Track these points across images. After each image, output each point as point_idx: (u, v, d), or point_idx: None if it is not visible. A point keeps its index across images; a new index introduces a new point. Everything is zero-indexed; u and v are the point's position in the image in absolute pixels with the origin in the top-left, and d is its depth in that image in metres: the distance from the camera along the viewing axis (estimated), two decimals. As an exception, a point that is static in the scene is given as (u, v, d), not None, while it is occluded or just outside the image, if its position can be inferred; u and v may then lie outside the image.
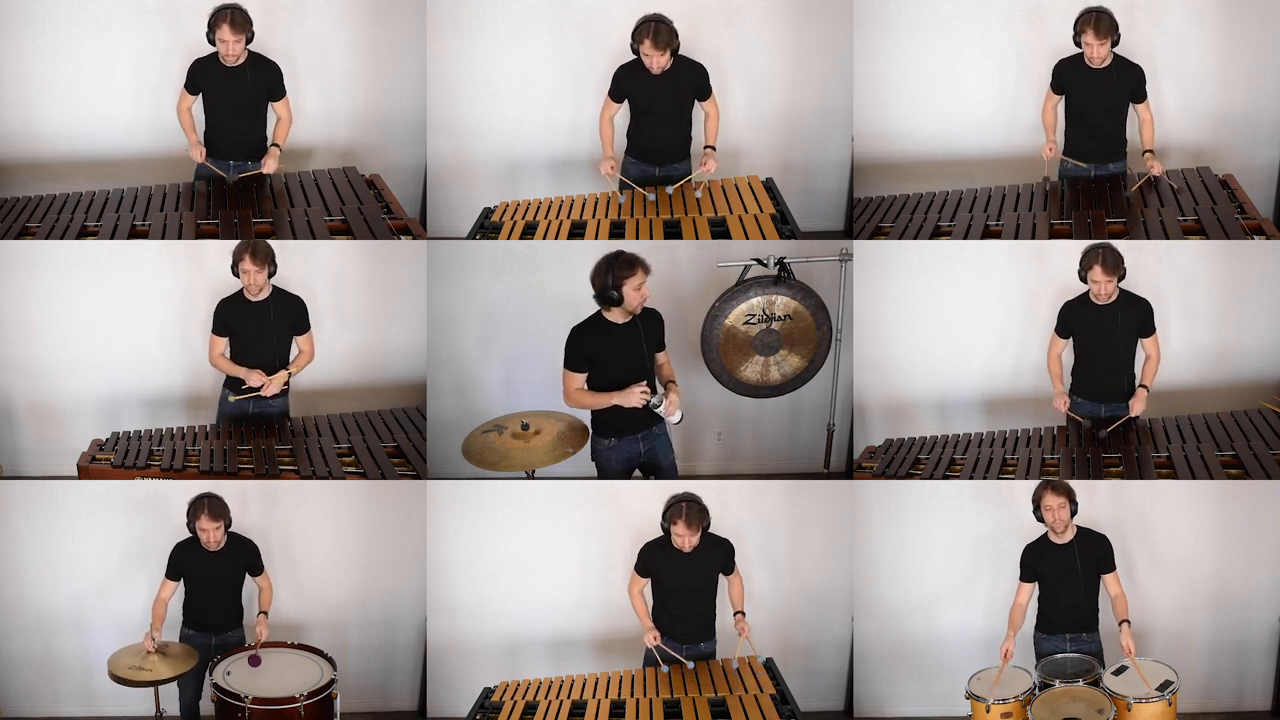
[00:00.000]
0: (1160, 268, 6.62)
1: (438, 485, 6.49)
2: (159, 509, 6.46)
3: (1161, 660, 5.93)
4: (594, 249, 5.95)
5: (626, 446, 6.03)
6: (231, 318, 6.28)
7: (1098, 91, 6.36)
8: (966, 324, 6.78)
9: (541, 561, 6.64)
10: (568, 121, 6.93)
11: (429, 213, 6.87)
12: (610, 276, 5.79)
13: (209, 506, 6.01)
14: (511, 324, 6.83)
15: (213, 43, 6.33)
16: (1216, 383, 6.78)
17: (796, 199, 6.71)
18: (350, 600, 6.65)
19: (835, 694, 6.75)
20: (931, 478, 6.35)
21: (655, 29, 6.21)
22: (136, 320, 6.73)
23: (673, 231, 6.27)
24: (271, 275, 6.26)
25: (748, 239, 6.25)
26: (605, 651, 6.65)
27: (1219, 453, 6.19)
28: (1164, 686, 5.75)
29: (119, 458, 6.25)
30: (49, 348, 6.72)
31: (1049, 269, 6.65)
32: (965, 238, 6.35)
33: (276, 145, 6.45)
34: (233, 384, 6.32)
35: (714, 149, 6.43)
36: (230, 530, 6.12)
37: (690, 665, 5.99)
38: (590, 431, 6.05)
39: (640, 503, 6.38)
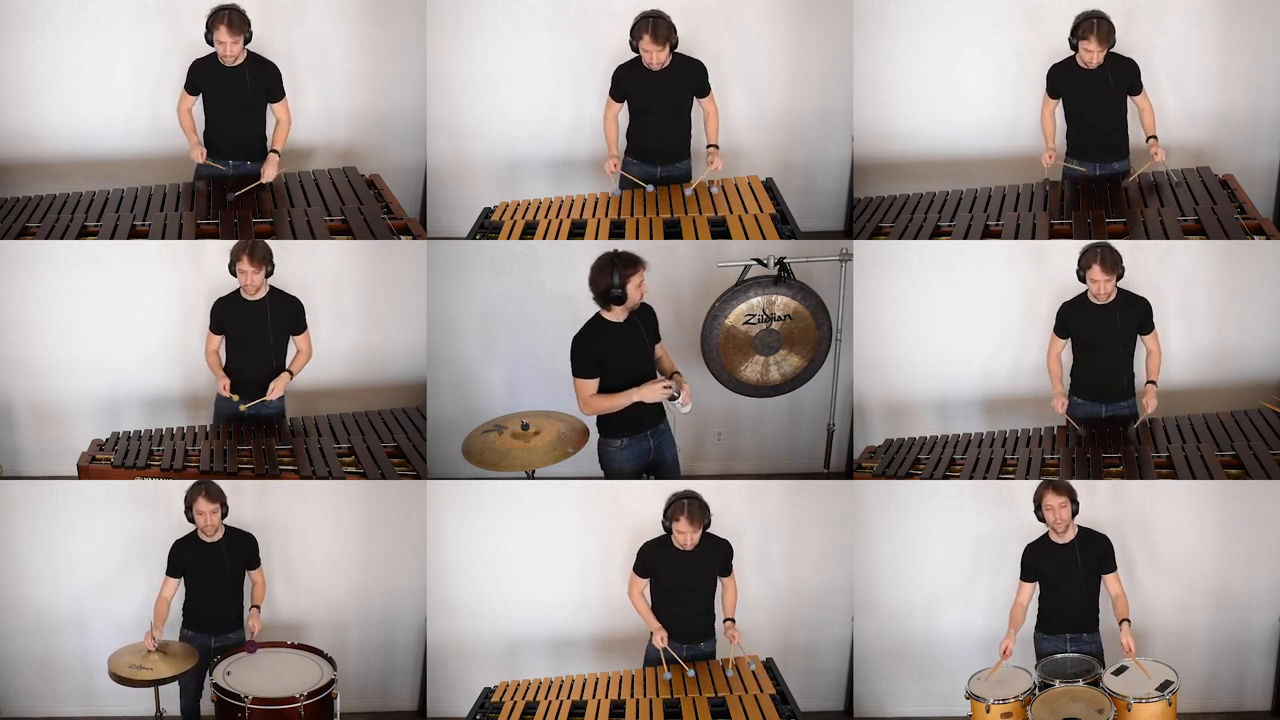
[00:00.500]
0: (1160, 268, 6.62)
1: (438, 485, 6.49)
2: (159, 509, 6.46)
3: (1161, 660, 5.93)
4: (594, 249, 5.95)
5: (638, 445, 6.02)
6: (227, 317, 6.29)
7: (1095, 92, 6.37)
8: (966, 324, 6.78)
9: (541, 561, 6.64)
10: (568, 121, 6.93)
11: (429, 213, 6.87)
12: (615, 275, 5.78)
13: (206, 488, 6.02)
14: (512, 324, 6.83)
15: (211, 43, 6.33)
16: (1216, 383, 6.78)
17: (796, 199, 6.71)
18: (350, 600, 6.65)
19: (835, 694, 6.75)
20: (931, 478, 6.35)
21: (654, 24, 6.21)
22: (136, 320, 6.73)
23: (673, 231, 6.27)
24: (269, 275, 6.26)
25: (748, 239, 6.25)
26: (605, 651, 6.65)
27: (1219, 453, 6.19)
28: (1164, 686, 5.75)
29: (119, 458, 6.25)
30: (49, 348, 6.72)
31: (1049, 269, 6.65)
32: (965, 238, 6.35)
33: (275, 151, 6.45)
34: (239, 390, 6.31)
35: (717, 147, 6.43)
36: (228, 524, 6.12)
37: (691, 672, 5.98)
38: (598, 434, 6.04)
39: (640, 503, 6.38)
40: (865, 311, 6.67)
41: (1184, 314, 6.69)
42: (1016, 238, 6.32)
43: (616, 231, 6.29)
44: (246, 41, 6.34)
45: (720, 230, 6.28)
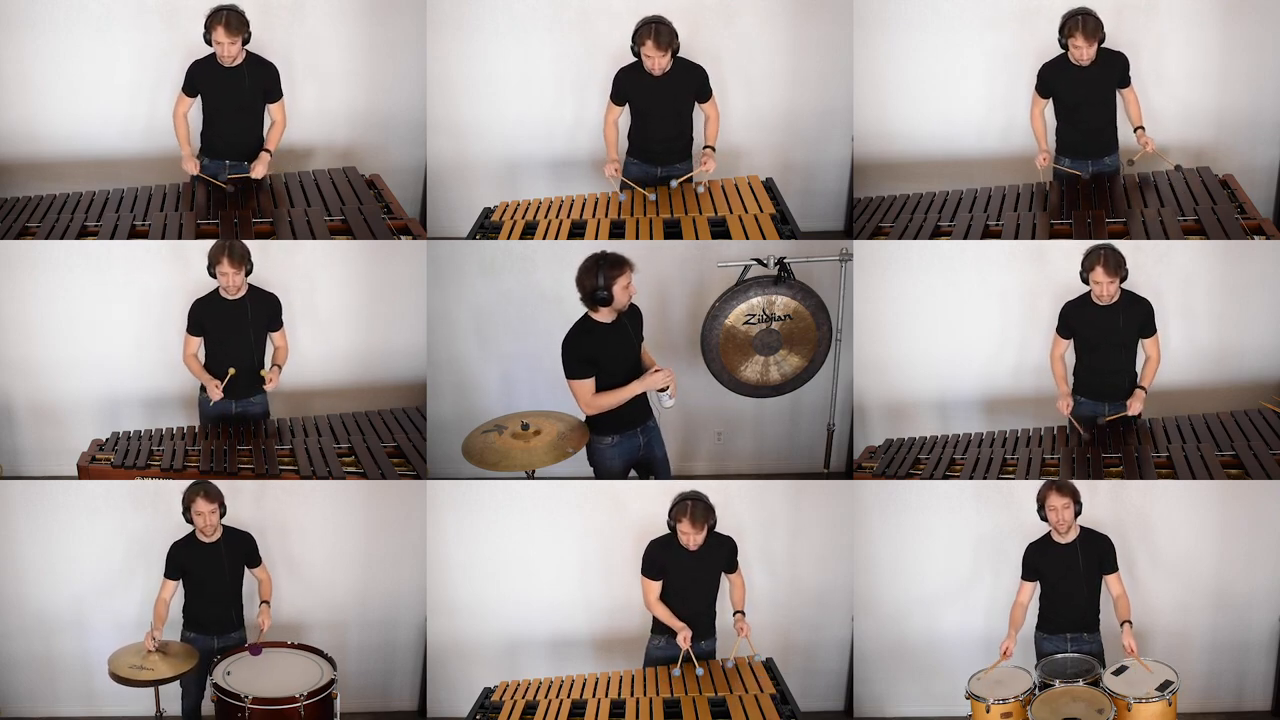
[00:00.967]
0: (1160, 268, 6.62)
1: (438, 485, 6.49)
2: (159, 509, 6.46)
3: (1161, 660, 5.93)
4: (594, 249, 5.95)
5: (628, 442, 6.03)
6: (207, 318, 6.28)
7: (1087, 87, 6.37)
8: (966, 324, 6.78)
9: (541, 561, 6.64)
10: (568, 121, 6.93)
11: (429, 213, 6.87)
12: (600, 277, 5.80)
13: (204, 488, 6.02)
14: (511, 324, 6.83)
15: (210, 44, 6.33)
16: (1216, 383, 6.78)
17: (796, 199, 6.71)
18: (350, 600, 6.65)
19: (835, 694, 6.75)
20: (931, 478, 6.35)
21: (656, 30, 6.22)
22: (136, 320, 6.73)
23: (673, 231, 6.27)
24: (249, 274, 6.25)
25: (748, 239, 6.25)
26: (605, 651, 6.65)
27: (1219, 453, 6.19)
28: (1164, 686, 5.74)
29: (119, 458, 6.25)
30: (49, 348, 6.72)
31: (1049, 269, 6.65)
32: (965, 238, 6.35)
33: (268, 150, 6.45)
34: (229, 388, 6.30)
35: (713, 149, 6.44)
36: (226, 524, 6.12)
37: (700, 671, 5.99)
38: (591, 432, 6.05)
39: (641, 503, 6.38)
40: (865, 311, 6.67)
41: (1184, 314, 6.69)
42: (1016, 238, 6.32)
43: (616, 231, 6.29)
44: (245, 42, 6.34)
45: (720, 230, 6.28)
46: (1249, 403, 6.61)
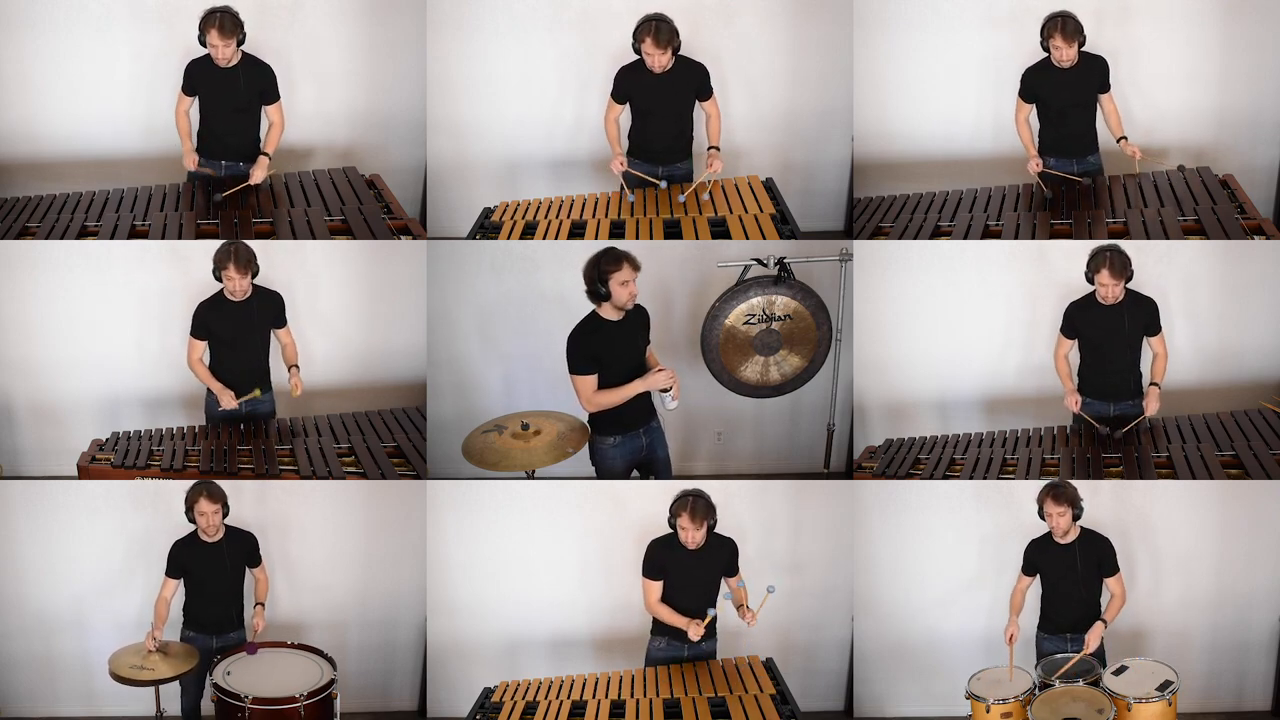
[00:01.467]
0: (1161, 267, 6.62)
1: (438, 485, 6.49)
2: (159, 509, 6.46)
3: (1161, 660, 5.93)
4: (594, 249, 5.95)
5: (630, 442, 6.04)
6: (214, 321, 6.27)
7: (1069, 90, 6.39)
8: (966, 324, 6.78)
9: (541, 561, 6.64)
10: (568, 121, 6.93)
11: (429, 213, 6.87)
12: (596, 271, 5.81)
13: (207, 489, 6.02)
14: (511, 324, 6.83)
15: (204, 45, 6.34)
16: (1216, 383, 6.78)
17: (796, 199, 6.71)
18: (350, 600, 6.65)
19: (835, 694, 6.75)
20: (931, 478, 6.35)
21: (657, 28, 6.22)
22: (136, 320, 6.73)
23: (673, 231, 6.27)
24: (254, 276, 6.25)
25: (748, 239, 6.25)
26: (605, 651, 6.65)
27: (1219, 453, 6.19)
28: (1164, 686, 5.74)
29: (119, 458, 6.25)
30: (49, 348, 6.72)
31: (1049, 269, 6.65)
32: (965, 238, 6.35)
33: (265, 154, 6.44)
34: (238, 388, 6.31)
35: (718, 149, 6.43)
36: (228, 524, 6.13)
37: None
38: (590, 432, 6.05)
39: (641, 502, 6.38)
40: (865, 311, 6.67)
41: (1185, 314, 6.69)
42: (1016, 238, 6.32)
43: (616, 231, 6.29)
44: (240, 44, 6.34)
45: (720, 230, 6.28)
46: (1249, 403, 6.61)
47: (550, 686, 6.13)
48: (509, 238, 6.32)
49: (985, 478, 6.28)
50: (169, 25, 6.69)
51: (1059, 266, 6.60)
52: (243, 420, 6.35)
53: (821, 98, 6.91)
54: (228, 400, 6.25)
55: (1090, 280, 6.19)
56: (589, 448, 6.05)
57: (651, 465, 6.14)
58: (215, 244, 6.33)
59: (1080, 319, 6.28)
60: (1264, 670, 6.63)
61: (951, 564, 6.59)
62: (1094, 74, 6.40)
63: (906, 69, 6.84)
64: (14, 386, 6.76)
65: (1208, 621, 6.58)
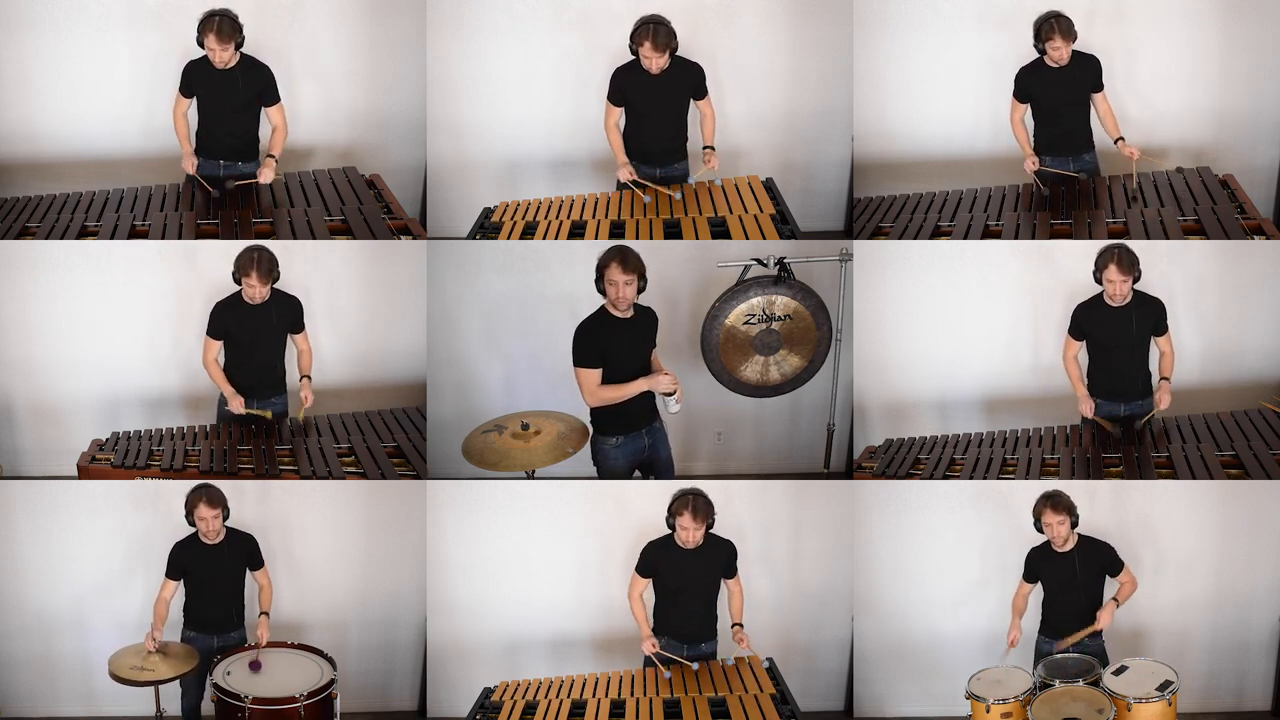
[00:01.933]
0: (1161, 267, 6.61)
1: (438, 485, 6.49)
2: (159, 509, 6.46)
3: (1161, 660, 5.93)
4: (594, 249, 5.96)
5: (632, 443, 6.04)
6: (231, 322, 6.27)
7: (1063, 89, 6.39)
8: (966, 324, 6.78)
9: (541, 561, 6.64)
10: (568, 121, 6.93)
11: (429, 213, 6.87)
12: (598, 264, 5.86)
13: (207, 494, 6.02)
14: (512, 324, 6.83)
15: (203, 47, 6.33)
16: (1216, 383, 6.78)
17: (796, 199, 6.71)
18: (350, 600, 6.66)
19: (835, 694, 6.75)
20: (931, 478, 6.35)
21: (654, 30, 6.22)
22: (136, 320, 6.73)
23: (673, 231, 6.27)
24: (274, 284, 6.25)
25: (748, 239, 6.25)
26: (605, 651, 6.65)
27: (1219, 453, 6.18)
28: (1164, 686, 5.74)
29: (119, 458, 6.25)
30: (49, 348, 6.72)
31: (1049, 269, 6.65)
32: (965, 238, 6.35)
33: (272, 156, 6.43)
34: (241, 393, 6.30)
35: (714, 148, 6.43)
36: (229, 526, 6.12)
37: (694, 666, 5.99)
38: (591, 431, 6.05)
39: (641, 502, 6.38)
40: (865, 311, 6.67)
41: (1185, 314, 6.68)
42: (1016, 238, 6.32)
43: (616, 231, 6.29)
44: (238, 46, 6.32)
45: (720, 230, 6.28)
46: (1249, 403, 6.61)
47: (550, 686, 6.13)
48: (509, 238, 6.32)
49: (985, 478, 6.28)
50: (168, 25, 6.69)
51: (1059, 266, 6.60)
52: (250, 420, 6.34)
53: (821, 98, 6.91)
54: (237, 405, 6.26)
55: (1098, 279, 6.18)
56: (591, 447, 6.05)
57: (653, 465, 6.14)
58: (215, 244, 6.34)
59: (1088, 320, 6.27)
60: (1264, 670, 6.63)
61: (951, 564, 6.60)
62: (1087, 73, 6.41)
63: (906, 69, 6.84)
64: (14, 386, 6.76)
65: (1208, 621, 6.58)
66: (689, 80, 6.40)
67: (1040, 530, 6.01)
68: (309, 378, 6.39)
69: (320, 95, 6.86)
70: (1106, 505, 6.44)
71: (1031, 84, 6.44)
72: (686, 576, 6.02)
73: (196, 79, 6.39)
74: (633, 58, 6.32)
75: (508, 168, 6.98)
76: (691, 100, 6.45)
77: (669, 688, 5.95)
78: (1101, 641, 6.06)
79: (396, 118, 6.88)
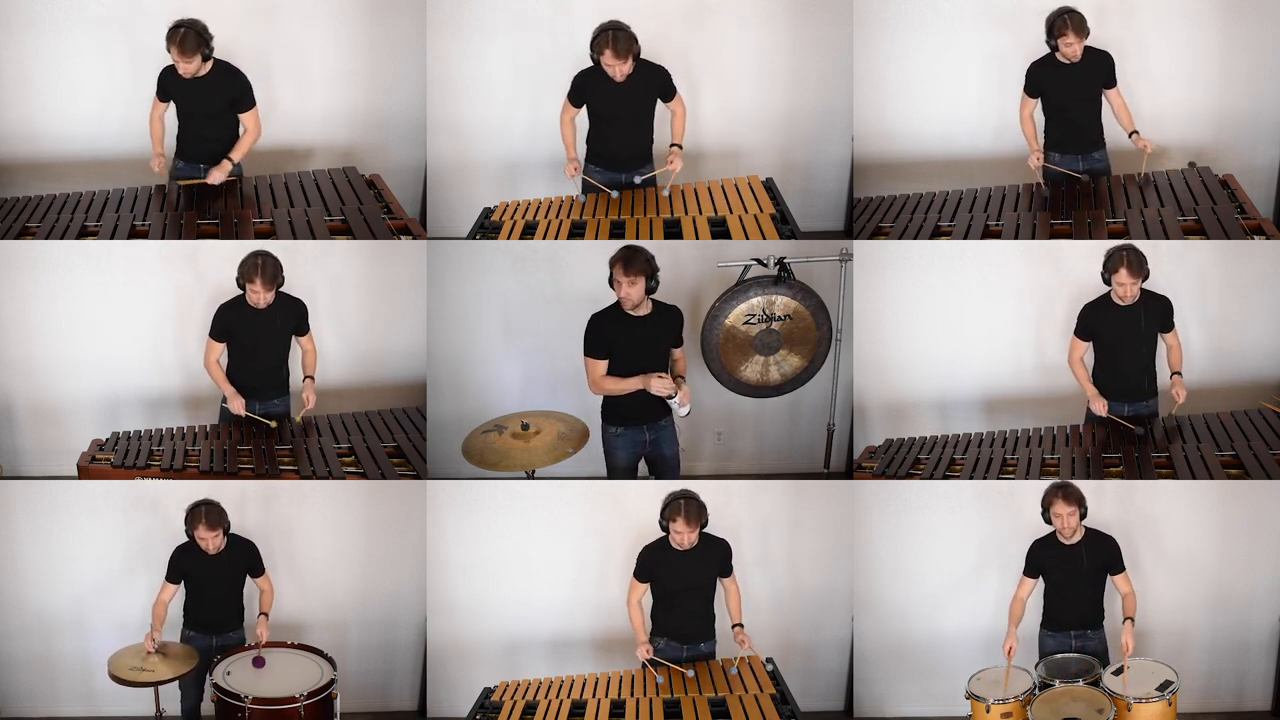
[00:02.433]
0: (1162, 267, 6.60)
1: (438, 485, 6.49)
2: (159, 509, 6.46)
3: (1161, 660, 5.93)
4: (594, 249, 5.97)
5: (632, 435, 6.09)
6: (234, 324, 6.27)
7: (1075, 85, 6.39)
8: (966, 324, 6.78)
9: (541, 561, 6.64)
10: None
11: (429, 213, 6.87)
12: (609, 262, 5.89)
13: (205, 515, 6.01)
14: (512, 324, 6.83)
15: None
16: (1216, 383, 6.78)
17: (796, 199, 6.71)
18: (350, 600, 6.66)
19: (835, 694, 6.75)
20: (931, 478, 6.35)
21: (614, 37, 6.14)
22: (136, 320, 6.73)
23: (673, 231, 6.27)
24: (279, 289, 6.25)
25: (748, 239, 6.25)
26: (605, 651, 6.65)
27: (1219, 453, 6.18)
28: (1164, 686, 5.75)
29: (119, 458, 6.25)
30: (49, 348, 6.72)
31: (1049, 269, 6.65)
32: (965, 238, 6.35)
33: (229, 158, 6.38)
34: (243, 393, 6.30)
35: (680, 147, 6.39)
36: (229, 532, 6.12)
37: (691, 673, 5.98)
38: (601, 420, 6.12)
39: (641, 503, 6.38)
40: (865, 311, 6.67)
41: (1184, 314, 6.68)
42: (1016, 238, 6.32)
43: (616, 232, 6.29)
44: (205, 58, 6.26)
45: (720, 230, 6.28)
46: (1249, 403, 6.61)
47: (550, 686, 6.13)
48: (509, 238, 6.32)
49: (985, 478, 6.28)
50: (168, 26, 6.67)
51: (1060, 266, 6.60)
52: (251, 420, 6.33)
53: (821, 98, 6.91)
54: (238, 406, 6.26)
55: (1106, 281, 6.17)
56: (601, 435, 6.12)
57: (658, 462, 6.19)
58: (215, 244, 6.34)
59: (1096, 320, 6.26)
60: (1264, 670, 6.63)
61: (951, 564, 6.59)
62: (1099, 69, 6.40)
63: (906, 69, 6.84)
64: (14, 386, 6.76)
65: (1208, 621, 6.58)
66: (654, 84, 6.34)
67: (1049, 521, 5.99)
68: (312, 379, 6.39)
69: (320, 95, 6.86)
70: (1107, 505, 6.43)
71: (1043, 79, 6.43)
72: (684, 578, 6.03)
73: (172, 84, 6.34)
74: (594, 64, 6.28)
75: (508, 168, 6.98)
76: (660, 101, 6.41)
77: (669, 688, 5.95)
78: (1104, 638, 6.05)
79: (396, 118, 6.88)
